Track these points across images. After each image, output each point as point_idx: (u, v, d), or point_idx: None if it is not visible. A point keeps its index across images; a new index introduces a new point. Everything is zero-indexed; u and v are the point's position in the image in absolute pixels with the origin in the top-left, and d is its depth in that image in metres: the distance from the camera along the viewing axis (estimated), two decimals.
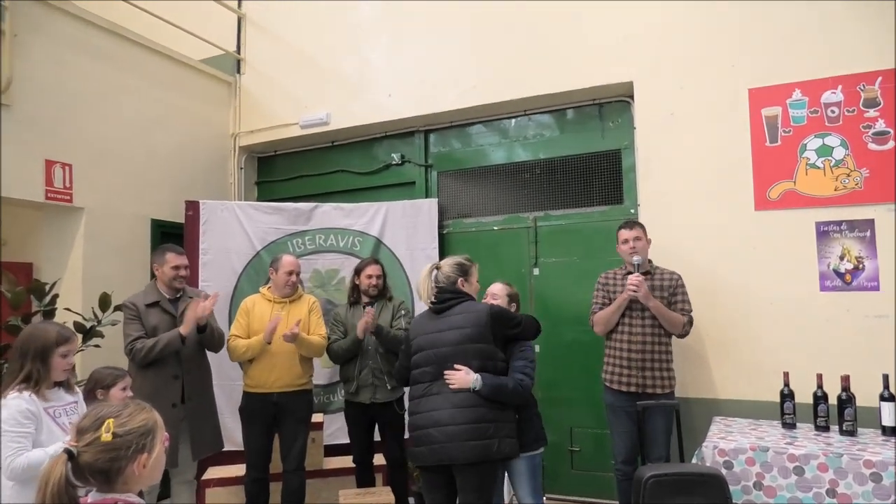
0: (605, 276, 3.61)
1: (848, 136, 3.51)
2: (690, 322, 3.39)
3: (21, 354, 2.34)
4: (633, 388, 3.35)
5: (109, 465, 1.35)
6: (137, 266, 4.45)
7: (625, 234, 3.49)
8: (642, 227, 3.53)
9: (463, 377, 2.66)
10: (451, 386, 2.67)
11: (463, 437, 2.60)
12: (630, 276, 3.33)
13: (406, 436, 3.91)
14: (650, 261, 3.54)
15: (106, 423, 1.36)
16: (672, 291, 3.42)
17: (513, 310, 3.15)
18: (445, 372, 2.70)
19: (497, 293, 3.19)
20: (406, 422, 3.83)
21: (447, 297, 2.85)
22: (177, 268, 3.46)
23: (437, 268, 2.95)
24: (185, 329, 3.31)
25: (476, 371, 2.69)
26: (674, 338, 3.43)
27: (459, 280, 2.91)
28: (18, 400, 2.25)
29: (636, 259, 3.37)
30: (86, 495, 1.36)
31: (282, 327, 3.54)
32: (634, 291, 3.28)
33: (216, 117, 5.42)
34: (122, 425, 1.38)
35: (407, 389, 3.04)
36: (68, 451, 1.33)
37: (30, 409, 2.25)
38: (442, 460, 2.64)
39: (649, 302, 3.31)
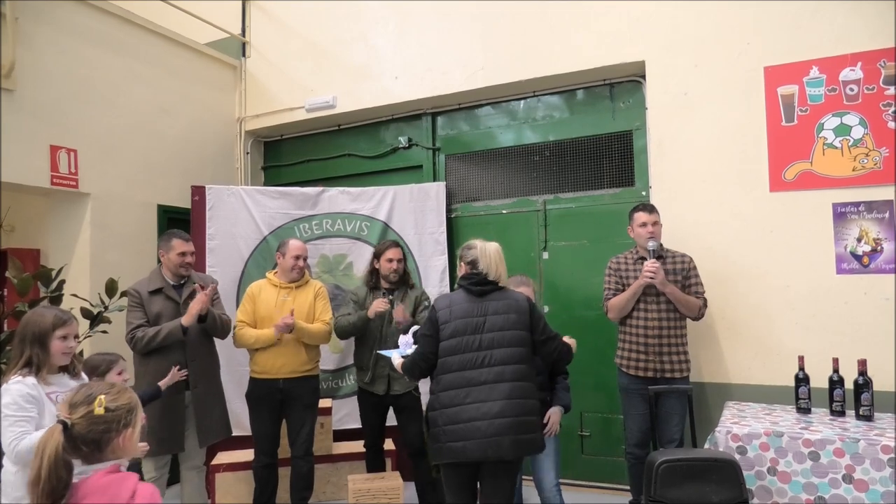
0: (616, 260, 3.54)
1: (867, 114, 3.41)
2: (705, 304, 3.38)
3: (21, 340, 2.33)
4: (649, 373, 3.32)
5: (101, 435, 1.52)
6: (144, 251, 4.44)
7: (644, 216, 3.40)
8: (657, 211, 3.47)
9: (558, 417, 3.03)
10: (556, 431, 2.97)
11: (514, 431, 2.52)
12: (646, 263, 3.27)
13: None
14: (660, 244, 3.48)
15: (98, 399, 1.53)
16: (685, 275, 3.38)
17: None
18: (548, 429, 2.91)
19: (529, 296, 3.05)
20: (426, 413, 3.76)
21: (488, 281, 2.70)
22: (183, 254, 3.43)
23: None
24: (186, 320, 3.28)
25: (519, 359, 2.61)
26: (688, 320, 3.39)
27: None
28: (20, 384, 2.24)
29: (651, 244, 3.31)
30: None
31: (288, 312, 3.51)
32: (651, 278, 3.23)
33: (222, 101, 5.37)
34: (113, 401, 1.56)
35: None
36: (63, 423, 1.48)
37: (31, 394, 2.24)
38: (489, 456, 2.50)
39: (665, 287, 3.26)
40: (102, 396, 1.54)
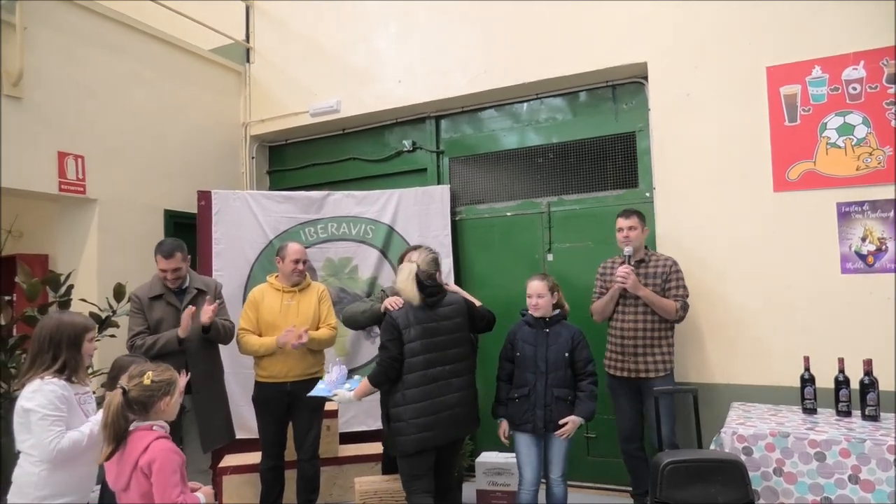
0: (604, 265, 3.71)
1: (870, 113, 3.40)
2: (684, 307, 3.44)
3: (54, 345, 2.41)
4: (626, 374, 3.48)
5: (147, 399, 2.11)
6: (151, 256, 4.43)
7: (620, 222, 3.56)
8: (640, 215, 3.56)
9: (573, 426, 3.12)
10: (567, 436, 3.11)
11: (466, 418, 3.05)
12: (619, 268, 3.42)
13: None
14: (646, 247, 3.60)
15: (147, 374, 2.11)
16: (665, 278, 3.46)
17: (554, 299, 3.26)
18: (560, 432, 3.09)
19: (542, 292, 3.22)
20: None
21: (436, 291, 3.03)
22: (164, 271, 3.42)
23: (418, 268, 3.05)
24: (182, 332, 3.29)
25: (465, 356, 3.06)
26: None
27: (437, 273, 3.11)
28: (54, 385, 2.35)
29: (627, 250, 3.46)
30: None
31: (294, 320, 3.55)
32: (622, 282, 3.38)
33: (227, 107, 5.41)
34: (157, 376, 2.14)
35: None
36: (122, 388, 2.08)
37: (64, 395, 2.36)
38: (448, 441, 2.99)
39: (639, 291, 3.39)
40: (150, 372, 2.12)
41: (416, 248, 3.21)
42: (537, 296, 3.21)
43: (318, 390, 3.25)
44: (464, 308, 3.11)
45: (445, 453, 3.06)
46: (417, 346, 2.91)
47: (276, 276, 3.72)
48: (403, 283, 2.98)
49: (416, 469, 2.94)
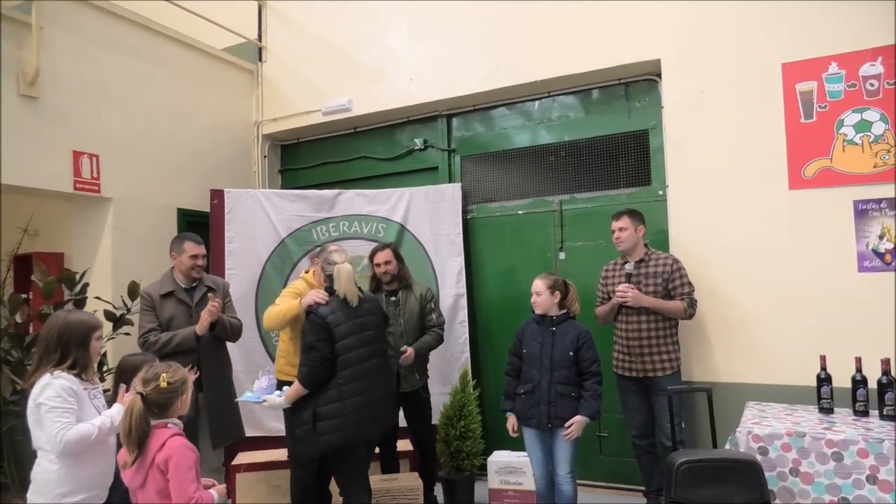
0: (606, 268, 3.73)
1: (888, 110, 3.36)
2: (692, 304, 3.47)
3: (62, 343, 2.41)
4: (633, 373, 3.50)
5: (165, 401, 2.17)
6: (165, 255, 4.44)
7: (611, 224, 3.59)
8: (631, 214, 3.56)
9: (579, 427, 3.09)
10: (574, 437, 3.08)
11: (395, 409, 3.28)
12: (619, 286, 3.46)
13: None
14: (647, 246, 3.60)
15: (162, 376, 2.16)
16: (667, 278, 3.47)
17: (557, 298, 3.23)
18: (566, 433, 3.08)
19: (539, 290, 3.26)
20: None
21: (360, 290, 3.12)
22: (195, 257, 3.45)
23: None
24: (200, 328, 3.32)
25: (385, 350, 3.19)
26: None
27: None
28: (63, 379, 2.35)
29: (628, 267, 3.50)
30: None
31: None
32: (622, 301, 3.44)
33: (239, 106, 5.43)
34: (172, 377, 2.18)
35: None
36: (140, 394, 2.12)
37: (72, 388, 2.36)
38: (381, 432, 3.14)
39: (642, 303, 3.42)
40: (164, 374, 2.17)
41: (331, 248, 3.13)
42: (535, 293, 3.27)
43: (246, 397, 3.17)
44: (381, 305, 3.29)
45: (360, 452, 3.06)
46: (353, 342, 2.93)
47: (312, 273, 3.58)
48: (348, 284, 2.97)
49: (308, 473, 3.13)
